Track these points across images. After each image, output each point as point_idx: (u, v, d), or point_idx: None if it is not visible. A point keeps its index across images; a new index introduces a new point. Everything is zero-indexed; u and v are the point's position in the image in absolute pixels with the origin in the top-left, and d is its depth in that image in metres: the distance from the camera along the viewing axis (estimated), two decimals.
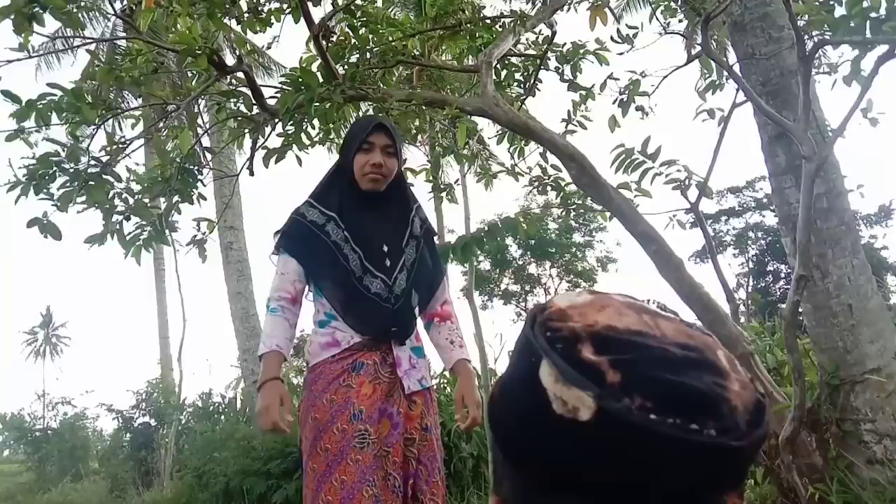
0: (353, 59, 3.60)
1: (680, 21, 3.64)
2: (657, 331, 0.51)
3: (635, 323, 0.52)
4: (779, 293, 24.56)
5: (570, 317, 0.53)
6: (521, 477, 0.52)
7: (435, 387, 7.63)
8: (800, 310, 2.99)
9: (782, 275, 25.69)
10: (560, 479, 0.49)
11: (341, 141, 3.83)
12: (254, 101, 3.34)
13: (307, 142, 3.53)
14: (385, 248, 2.28)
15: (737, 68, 3.35)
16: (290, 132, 3.46)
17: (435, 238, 2.53)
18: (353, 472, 2.03)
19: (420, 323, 2.40)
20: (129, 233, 3.25)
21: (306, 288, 2.30)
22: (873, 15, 2.43)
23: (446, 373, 7.58)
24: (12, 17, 2.61)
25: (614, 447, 0.46)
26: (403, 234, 2.35)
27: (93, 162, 3.12)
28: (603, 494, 0.47)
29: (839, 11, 2.70)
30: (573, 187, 3.66)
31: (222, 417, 9.67)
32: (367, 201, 2.31)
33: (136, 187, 3.31)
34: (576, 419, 0.47)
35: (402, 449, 2.13)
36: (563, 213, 4.04)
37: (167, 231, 3.37)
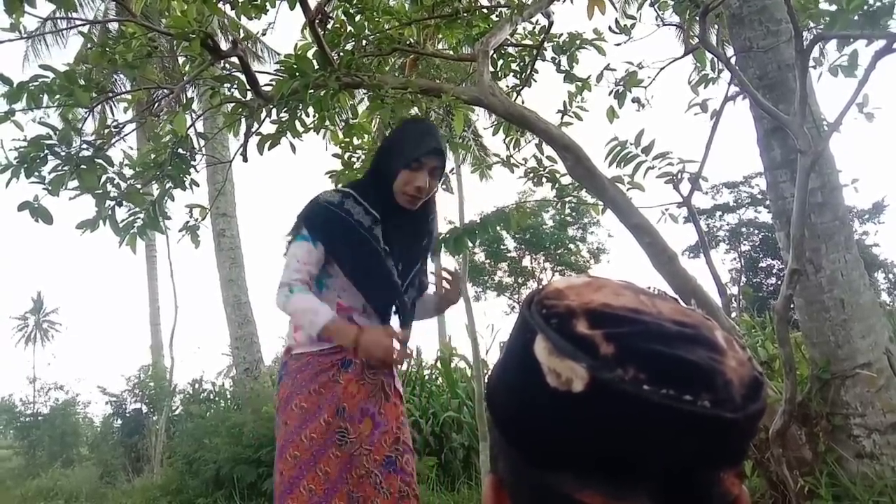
0: (349, 46, 3.57)
1: (676, 13, 3.63)
2: (653, 309, 0.51)
3: (631, 301, 0.52)
4: (771, 289, 24.68)
5: (567, 296, 0.53)
6: (516, 453, 0.52)
7: (426, 377, 7.65)
8: (792, 304, 3.00)
9: (774, 271, 25.82)
10: (555, 455, 0.48)
11: (338, 128, 3.83)
12: (248, 87, 3.32)
13: (301, 129, 3.50)
14: (400, 266, 2.29)
15: (734, 61, 3.34)
16: (284, 119, 3.44)
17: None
18: (334, 465, 2.09)
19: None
20: (123, 219, 3.23)
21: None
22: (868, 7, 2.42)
23: (438, 364, 7.61)
24: None
25: (608, 418, 0.46)
26: (418, 256, 2.38)
27: (85, 146, 3.09)
28: (598, 470, 0.47)
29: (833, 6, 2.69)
30: (568, 179, 3.66)
31: (213, 405, 9.65)
32: (403, 213, 2.28)
33: (128, 172, 3.28)
34: (569, 391, 0.47)
35: (385, 448, 2.17)
36: (559, 207, 4.03)
37: (160, 218, 3.35)
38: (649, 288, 0.56)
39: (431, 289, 2.51)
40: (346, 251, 2.21)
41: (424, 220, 2.37)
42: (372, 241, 2.20)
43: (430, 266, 2.55)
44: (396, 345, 2.11)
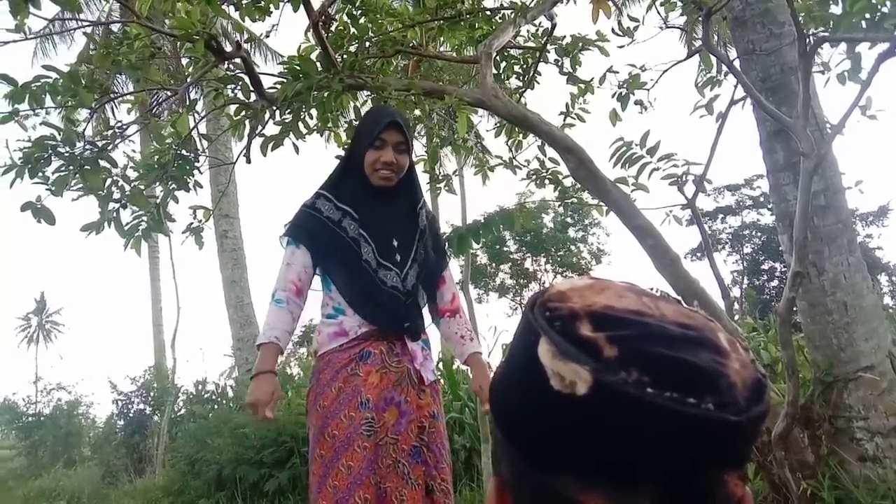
0: (352, 48, 3.58)
1: (680, 15, 3.63)
2: (656, 311, 0.51)
3: (634, 304, 0.52)
4: (773, 292, 24.65)
5: (570, 298, 0.53)
6: (520, 455, 0.52)
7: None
8: (795, 307, 2.99)
9: (777, 273, 25.79)
10: (559, 457, 0.48)
11: (341, 129, 3.84)
12: (251, 89, 3.32)
13: (304, 130, 3.51)
14: (395, 243, 2.31)
15: (737, 64, 3.34)
16: (287, 120, 3.45)
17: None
18: (360, 458, 2.07)
19: (427, 317, 2.44)
20: (127, 223, 3.23)
21: (314, 279, 2.33)
22: (877, 13, 2.42)
23: (440, 366, 7.61)
24: None
25: (611, 421, 0.46)
26: (414, 229, 2.38)
27: (88, 146, 3.10)
28: (601, 472, 0.47)
29: (837, 9, 2.69)
30: (571, 180, 3.66)
31: (216, 406, 9.66)
32: (379, 194, 2.33)
33: (132, 174, 3.29)
34: (573, 394, 0.47)
35: (411, 437, 2.16)
36: (561, 208, 4.03)
37: (164, 220, 3.35)
38: (652, 289, 0.56)
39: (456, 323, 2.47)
40: (322, 250, 2.28)
41: (407, 190, 2.40)
42: (340, 232, 2.26)
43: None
44: (260, 407, 2.11)
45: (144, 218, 3.30)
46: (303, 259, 2.27)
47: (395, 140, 2.28)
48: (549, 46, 3.95)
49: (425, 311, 2.44)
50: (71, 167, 2.99)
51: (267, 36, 3.68)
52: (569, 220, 23.94)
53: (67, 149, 3.01)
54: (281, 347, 2.21)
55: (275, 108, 3.37)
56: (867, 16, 2.43)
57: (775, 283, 25.61)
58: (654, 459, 0.46)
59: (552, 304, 0.52)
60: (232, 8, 3.29)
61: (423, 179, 4.10)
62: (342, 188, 2.34)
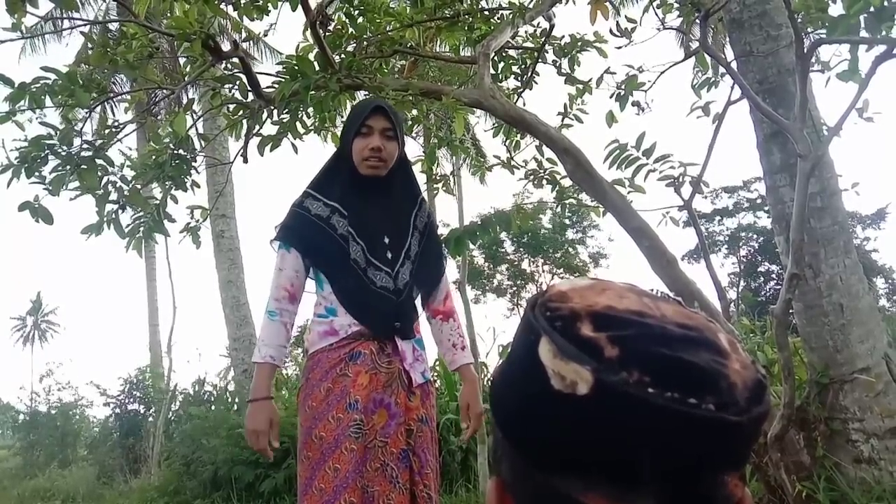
0: (350, 48, 3.58)
1: (678, 17, 3.63)
2: (657, 312, 0.51)
3: (635, 304, 0.52)
4: (770, 293, 24.71)
5: (571, 298, 0.53)
6: (520, 456, 0.52)
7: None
8: (791, 309, 3.00)
9: (773, 275, 25.85)
10: (558, 457, 0.48)
11: (338, 129, 3.84)
12: (249, 88, 3.32)
13: (302, 130, 3.51)
14: (386, 240, 2.26)
15: (734, 66, 3.34)
16: (284, 120, 3.44)
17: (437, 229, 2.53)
18: (347, 460, 2.03)
19: (421, 315, 2.39)
20: (128, 225, 3.23)
21: (307, 279, 2.29)
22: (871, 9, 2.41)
23: (437, 366, 7.60)
24: None
25: (612, 421, 0.46)
26: (407, 225, 2.32)
27: (85, 146, 3.09)
28: (602, 472, 0.47)
29: (835, 9, 2.70)
30: (568, 181, 3.66)
31: (212, 406, 9.65)
32: (369, 188, 2.27)
33: (129, 174, 3.28)
34: (574, 394, 0.47)
35: (400, 440, 2.12)
36: (558, 209, 4.04)
37: (164, 221, 3.35)
38: (652, 290, 0.56)
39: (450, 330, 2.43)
40: (312, 250, 2.24)
41: (401, 184, 2.36)
42: (329, 230, 2.22)
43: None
44: (260, 437, 2.15)
45: (144, 219, 3.29)
46: (293, 263, 2.23)
47: (382, 126, 2.23)
48: (547, 47, 3.95)
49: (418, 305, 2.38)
50: (68, 166, 2.98)
51: (265, 35, 3.68)
52: (566, 221, 23.95)
53: (64, 148, 3.00)
54: (277, 365, 2.20)
55: (272, 107, 3.36)
56: (871, 9, 2.41)
57: (772, 284, 25.68)
58: (654, 459, 0.46)
59: (553, 304, 0.52)
60: (230, 7, 3.29)
61: (420, 180, 4.11)
62: (330, 184, 2.30)
